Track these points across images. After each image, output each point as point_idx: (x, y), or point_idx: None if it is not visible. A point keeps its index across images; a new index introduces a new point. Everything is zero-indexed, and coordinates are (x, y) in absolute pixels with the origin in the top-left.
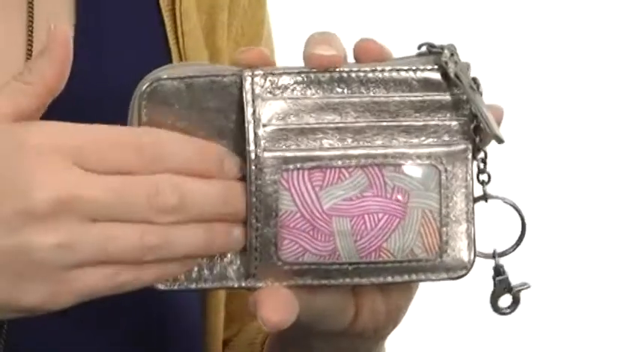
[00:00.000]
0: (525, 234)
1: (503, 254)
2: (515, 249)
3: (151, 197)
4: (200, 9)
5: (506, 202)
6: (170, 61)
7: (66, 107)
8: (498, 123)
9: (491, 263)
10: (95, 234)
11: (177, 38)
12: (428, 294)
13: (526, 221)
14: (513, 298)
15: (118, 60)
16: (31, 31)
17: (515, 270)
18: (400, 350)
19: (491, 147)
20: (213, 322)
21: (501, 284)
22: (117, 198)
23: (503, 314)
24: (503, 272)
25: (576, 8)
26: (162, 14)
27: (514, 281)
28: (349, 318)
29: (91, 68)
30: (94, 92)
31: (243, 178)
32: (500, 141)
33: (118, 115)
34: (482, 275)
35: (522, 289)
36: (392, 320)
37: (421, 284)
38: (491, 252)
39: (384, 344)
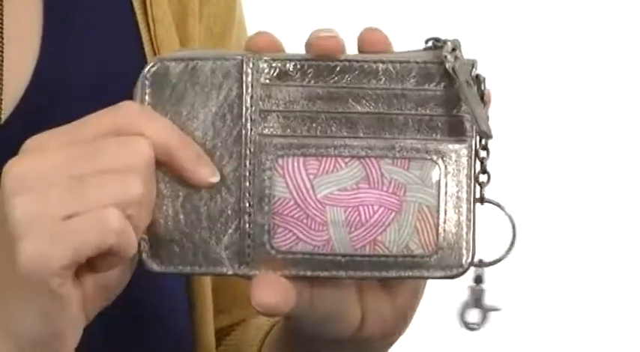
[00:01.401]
0: (515, 244)
1: (491, 263)
2: (504, 258)
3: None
4: None
5: (501, 209)
6: (141, 48)
7: (33, 99)
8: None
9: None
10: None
11: (148, 25)
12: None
13: (517, 231)
14: (483, 315)
15: (89, 48)
16: (1, 22)
17: (514, 272)
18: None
19: (494, 144)
20: (202, 319)
21: (474, 294)
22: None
23: (469, 328)
24: (481, 283)
25: (577, 8)
26: (132, 1)
27: (488, 299)
28: (356, 324)
29: (61, 56)
30: (64, 80)
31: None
32: (487, 136)
33: (90, 101)
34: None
35: (492, 309)
36: (399, 324)
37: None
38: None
39: None
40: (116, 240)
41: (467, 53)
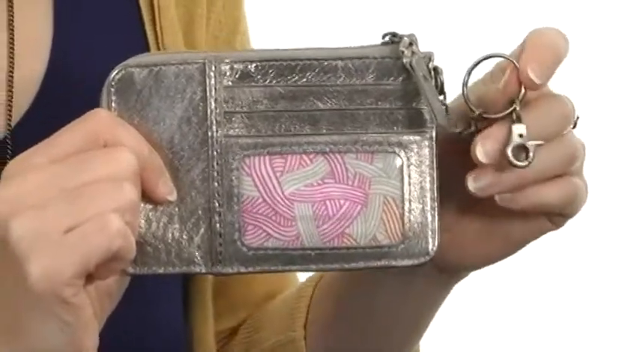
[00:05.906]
0: None
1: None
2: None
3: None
4: (178, 2)
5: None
6: None
7: (43, 105)
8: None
9: None
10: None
11: (155, 32)
12: None
13: None
14: None
15: (97, 55)
16: (12, 30)
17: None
18: None
19: None
20: (200, 325)
21: None
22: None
23: None
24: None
25: (576, 8)
26: (140, 9)
27: None
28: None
29: (68, 64)
30: (70, 88)
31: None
32: (444, 129)
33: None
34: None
35: None
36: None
37: None
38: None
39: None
40: (121, 244)
41: (466, 52)
